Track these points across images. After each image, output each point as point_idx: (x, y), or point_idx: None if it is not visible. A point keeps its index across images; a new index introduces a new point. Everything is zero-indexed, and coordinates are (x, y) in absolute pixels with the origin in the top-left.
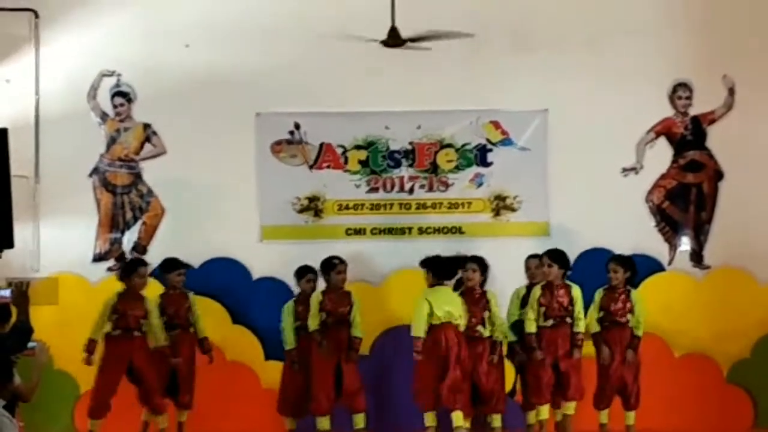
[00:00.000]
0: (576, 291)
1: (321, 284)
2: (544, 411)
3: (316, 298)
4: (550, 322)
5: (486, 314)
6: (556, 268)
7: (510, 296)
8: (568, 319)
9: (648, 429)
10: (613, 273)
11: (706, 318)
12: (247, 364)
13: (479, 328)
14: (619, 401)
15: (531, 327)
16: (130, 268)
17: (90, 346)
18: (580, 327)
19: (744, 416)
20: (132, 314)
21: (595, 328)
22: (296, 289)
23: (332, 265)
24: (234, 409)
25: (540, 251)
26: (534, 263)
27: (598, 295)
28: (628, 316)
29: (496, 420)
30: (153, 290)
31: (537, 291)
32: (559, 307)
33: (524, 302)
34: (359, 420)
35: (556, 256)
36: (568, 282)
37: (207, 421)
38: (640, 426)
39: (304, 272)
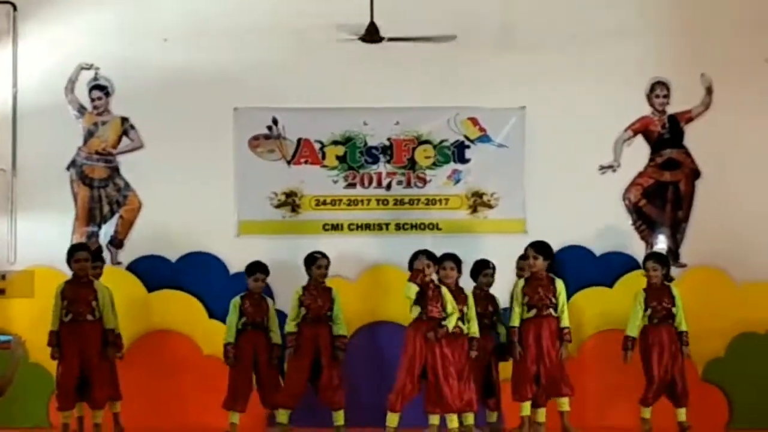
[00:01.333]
0: (560, 284)
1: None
2: (527, 408)
3: (295, 295)
4: (533, 312)
5: (465, 310)
6: (541, 260)
7: (510, 294)
8: (552, 312)
9: (624, 427)
10: (653, 272)
11: None
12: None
13: (460, 324)
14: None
15: (515, 320)
16: (69, 254)
17: (51, 339)
18: (565, 321)
19: (719, 414)
20: (82, 300)
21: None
22: (274, 285)
23: (313, 260)
24: (212, 403)
25: (517, 249)
26: (527, 264)
27: (641, 295)
28: (673, 311)
29: (468, 418)
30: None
31: (521, 283)
32: (543, 298)
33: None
34: (339, 417)
35: (540, 247)
36: (552, 275)
37: (184, 416)
38: (617, 423)
39: (253, 270)
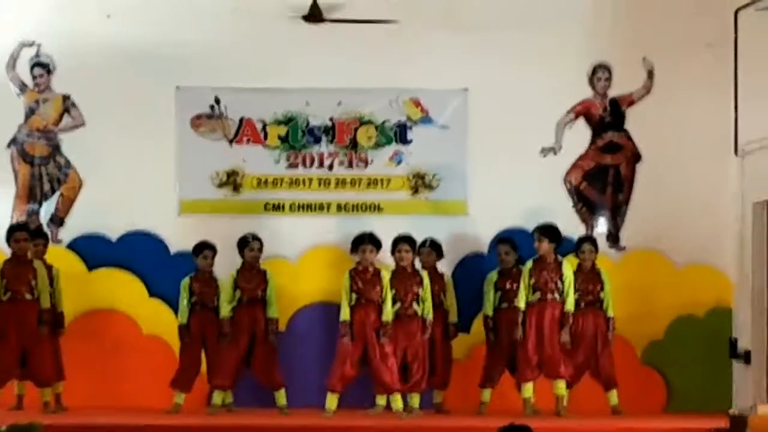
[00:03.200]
0: (567, 268)
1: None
2: (528, 389)
3: (230, 278)
4: (537, 296)
5: (420, 292)
6: (546, 243)
7: (484, 285)
8: (557, 296)
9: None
10: (588, 254)
11: (621, 299)
12: (163, 338)
13: (414, 306)
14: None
15: (521, 303)
16: (8, 233)
17: None
18: (569, 305)
19: (657, 397)
20: (20, 279)
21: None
22: (215, 265)
23: (245, 243)
24: (150, 383)
25: (458, 230)
26: (504, 249)
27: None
28: (601, 295)
29: (414, 399)
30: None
31: (528, 265)
32: (547, 282)
33: (497, 288)
34: (280, 396)
35: (544, 230)
36: (559, 259)
37: (123, 396)
38: (551, 408)
39: (200, 249)
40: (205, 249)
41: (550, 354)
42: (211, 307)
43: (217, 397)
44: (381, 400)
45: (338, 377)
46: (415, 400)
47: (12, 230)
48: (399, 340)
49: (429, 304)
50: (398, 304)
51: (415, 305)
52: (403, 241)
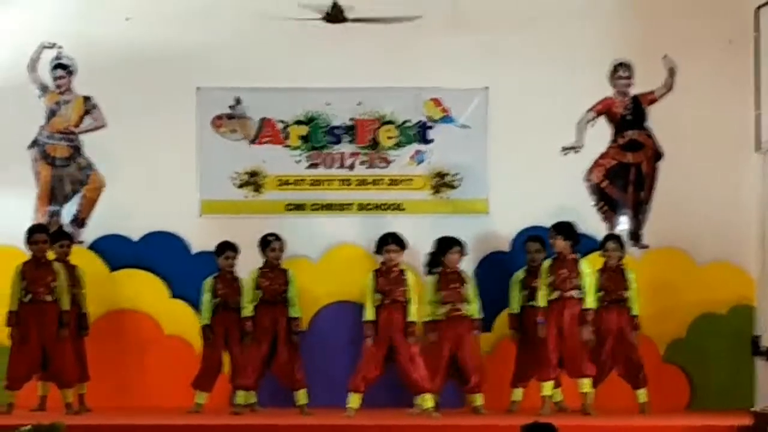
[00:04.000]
0: (585, 265)
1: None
2: (548, 387)
3: (252, 278)
4: (557, 294)
5: (463, 291)
6: (561, 240)
7: (510, 283)
8: (574, 294)
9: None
10: (612, 252)
11: (643, 297)
12: (185, 338)
13: (460, 306)
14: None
15: (542, 301)
16: (28, 235)
17: (10, 320)
18: (589, 303)
19: (680, 395)
20: (40, 281)
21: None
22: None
23: (267, 243)
24: (172, 383)
25: (479, 229)
26: (534, 247)
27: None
28: (626, 294)
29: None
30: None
31: (547, 263)
32: (565, 280)
33: (523, 286)
34: (301, 396)
35: (560, 228)
36: (577, 256)
37: (144, 395)
38: (576, 406)
39: (222, 249)
40: (228, 249)
41: (571, 352)
42: (234, 308)
43: (240, 397)
44: (419, 401)
45: (361, 377)
46: (478, 399)
47: (31, 232)
48: (448, 340)
49: (475, 306)
50: (448, 306)
51: (460, 305)
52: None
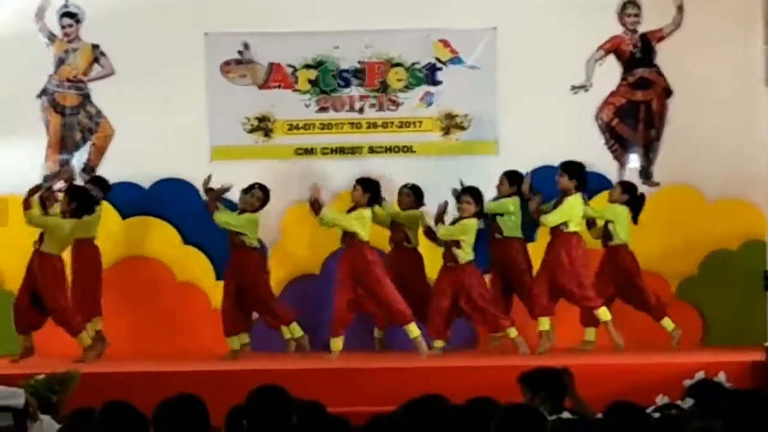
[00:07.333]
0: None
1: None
2: (545, 323)
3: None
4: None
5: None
6: (566, 179)
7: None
8: (563, 228)
9: (599, 345)
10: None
11: (655, 235)
12: (198, 285)
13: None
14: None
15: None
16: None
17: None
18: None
19: (693, 332)
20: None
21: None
22: None
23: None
24: (184, 330)
25: (488, 170)
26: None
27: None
28: None
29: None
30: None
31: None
32: None
33: None
34: (293, 330)
35: (567, 166)
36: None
37: (156, 342)
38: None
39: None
40: (252, 188)
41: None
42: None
43: (234, 342)
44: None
45: (337, 321)
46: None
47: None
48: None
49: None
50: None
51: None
52: (466, 192)
